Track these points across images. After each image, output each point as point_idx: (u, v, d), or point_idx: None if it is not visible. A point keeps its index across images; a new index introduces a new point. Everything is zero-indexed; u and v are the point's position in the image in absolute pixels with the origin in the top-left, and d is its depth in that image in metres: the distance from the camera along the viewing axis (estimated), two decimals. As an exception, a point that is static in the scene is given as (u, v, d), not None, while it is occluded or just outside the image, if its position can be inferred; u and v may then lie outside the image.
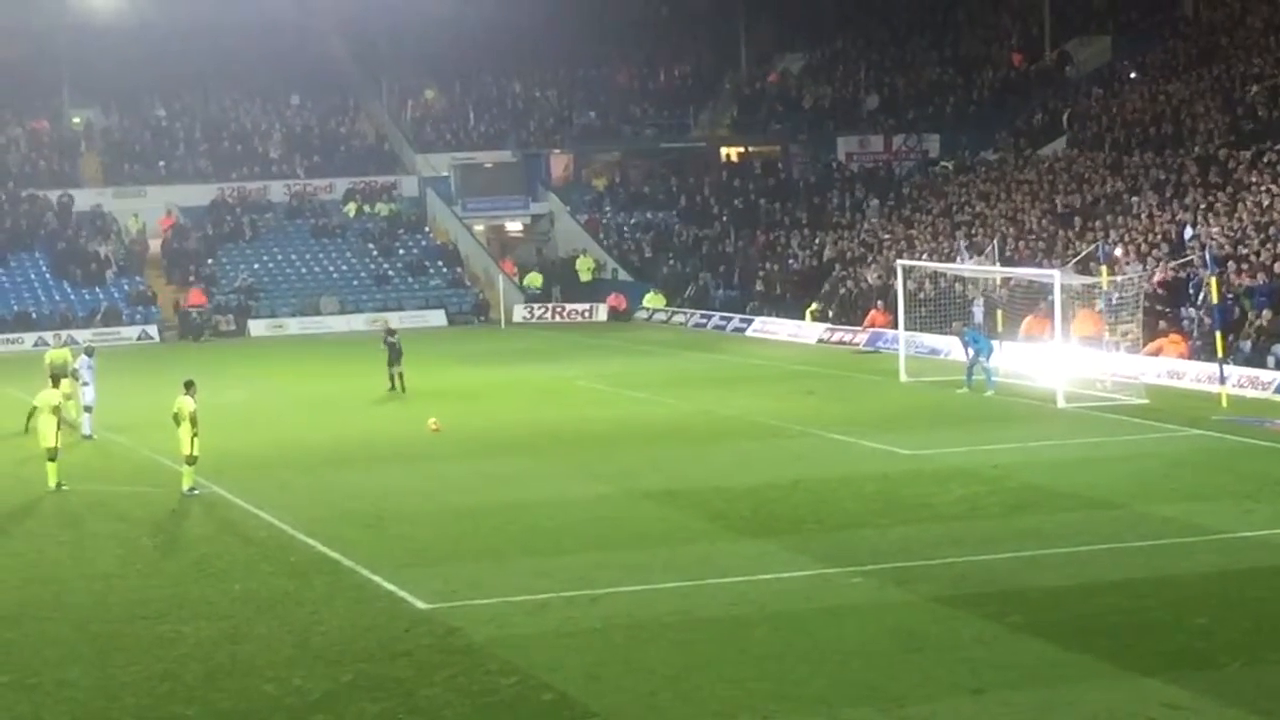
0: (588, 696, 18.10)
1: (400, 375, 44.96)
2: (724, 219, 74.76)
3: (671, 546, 25.23)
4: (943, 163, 73.49)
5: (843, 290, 61.35)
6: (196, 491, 30.40)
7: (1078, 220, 56.63)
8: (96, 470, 33.08)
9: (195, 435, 30.19)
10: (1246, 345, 43.13)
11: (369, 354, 49.42)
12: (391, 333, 46.74)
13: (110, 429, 38.18)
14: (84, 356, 39.20)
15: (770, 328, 61.70)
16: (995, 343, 44.09)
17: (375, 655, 19.81)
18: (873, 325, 56.19)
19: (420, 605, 22.05)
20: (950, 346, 47.79)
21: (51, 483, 31.03)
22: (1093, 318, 43.43)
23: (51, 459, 31.18)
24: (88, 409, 37.91)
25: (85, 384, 38.12)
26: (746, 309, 65.25)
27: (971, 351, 42.82)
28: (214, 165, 78.28)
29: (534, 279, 73.04)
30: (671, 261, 73.16)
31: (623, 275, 73.22)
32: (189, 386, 30.75)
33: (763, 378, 48.18)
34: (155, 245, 73.50)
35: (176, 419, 30.34)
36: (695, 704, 17.81)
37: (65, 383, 35.11)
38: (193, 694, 18.60)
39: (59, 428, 31.59)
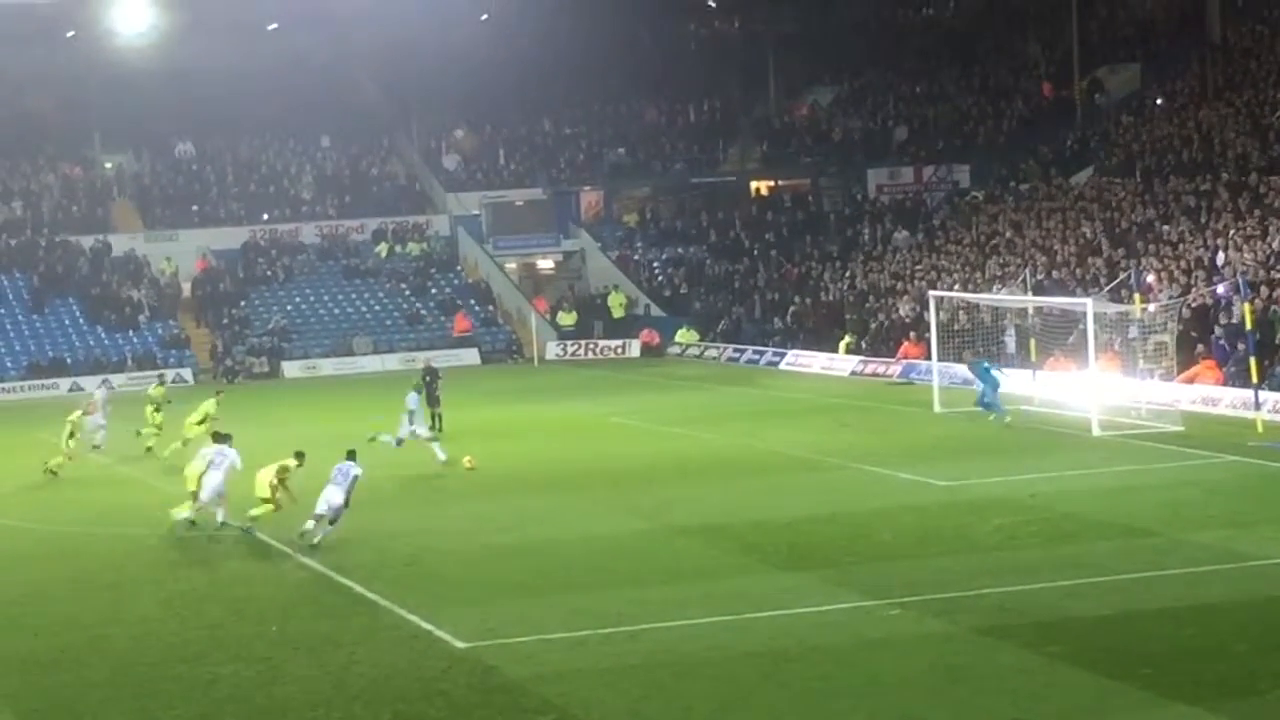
0: (627, 733, 18.08)
1: (438, 416, 45.00)
2: (755, 253, 74.75)
3: (709, 581, 25.20)
4: (973, 193, 73.38)
5: (875, 323, 61.28)
6: (254, 531, 30.51)
7: (1109, 248, 56.50)
8: (133, 514, 33.12)
9: (282, 485, 30.41)
10: (1281, 371, 42.95)
11: (403, 393, 49.39)
12: (433, 373, 46.25)
13: (149, 473, 38.24)
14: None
15: (803, 361, 61.60)
16: (1001, 375, 43.76)
17: (413, 695, 19.81)
18: (906, 357, 56.10)
19: (457, 644, 22.04)
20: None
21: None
22: (1112, 358, 43.32)
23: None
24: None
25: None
26: (779, 342, 65.20)
27: (980, 385, 42.88)
28: (245, 208, 78.60)
29: (565, 318, 73.02)
30: (704, 296, 73.18)
31: (655, 311, 73.23)
32: (300, 457, 31.00)
33: (797, 411, 48.11)
34: (188, 288, 73.74)
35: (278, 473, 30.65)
36: (735, 739, 17.78)
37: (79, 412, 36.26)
38: (232, 736, 18.64)
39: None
